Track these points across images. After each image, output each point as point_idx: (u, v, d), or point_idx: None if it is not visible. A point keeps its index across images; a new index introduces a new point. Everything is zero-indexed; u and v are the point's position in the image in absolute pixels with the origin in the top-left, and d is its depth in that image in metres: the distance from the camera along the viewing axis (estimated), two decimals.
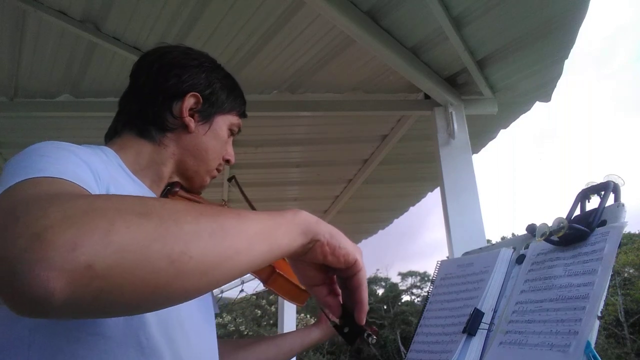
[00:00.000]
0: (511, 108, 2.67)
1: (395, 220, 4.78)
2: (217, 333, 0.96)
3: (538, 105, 2.62)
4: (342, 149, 3.34)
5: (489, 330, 0.90)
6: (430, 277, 1.23)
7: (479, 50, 2.16)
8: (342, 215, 4.45)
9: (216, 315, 1.01)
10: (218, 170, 1.00)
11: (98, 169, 0.71)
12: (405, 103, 2.67)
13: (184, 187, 0.97)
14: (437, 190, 2.48)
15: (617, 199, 0.84)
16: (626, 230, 0.82)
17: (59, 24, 2.15)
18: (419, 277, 32.35)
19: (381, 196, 4.19)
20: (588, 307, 0.73)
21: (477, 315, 0.92)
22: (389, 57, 2.15)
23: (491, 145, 3.15)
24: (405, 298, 32.30)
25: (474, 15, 1.94)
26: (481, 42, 2.10)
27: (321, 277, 0.70)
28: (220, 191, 3.62)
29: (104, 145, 0.91)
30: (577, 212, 0.90)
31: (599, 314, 0.71)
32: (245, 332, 22.72)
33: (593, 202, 0.88)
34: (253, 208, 0.95)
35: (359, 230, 5.18)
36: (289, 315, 5.25)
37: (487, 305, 0.94)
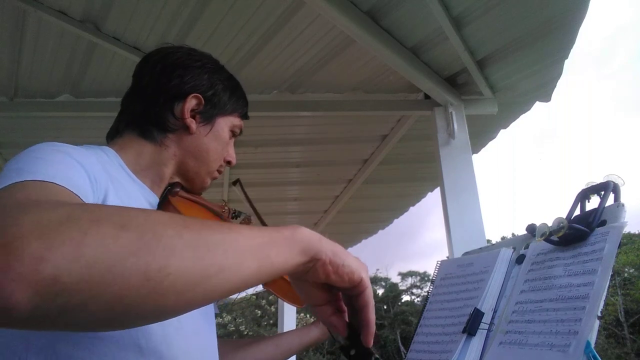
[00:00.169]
0: (511, 108, 2.67)
1: (395, 220, 4.79)
2: (216, 333, 0.96)
3: (538, 105, 2.62)
4: (342, 149, 3.34)
5: (489, 330, 0.90)
6: (430, 277, 1.23)
7: (479, 50, 2.16)
8: (342, 215, 4.45)
9: (216, 315, 1.01)
10: (219, 171, 1.00)
11: (95, 172, 0.71)
12: (405, 103, 2.67)
13: (184, 187, 0.97)
14: (437, 190, 2.48)
15: (617, 199, 0.84)
16: (626, 230, 0.82)
17: (59, 24, 2.15)
18: (419, 277, 32.38)
19: (381, 196, 4.19)
20: (588, 307, 0.73)
21: (477, 315, 0.91)
22: (389, 57, 2.15)
23: (491, 145, 3.16)
24: (405, 298, 32.33)
25: (474, 15, 1.94)
26: (481, 42, 2.10)
27: (325, 296, 0.65)
28: (220, 191, 3.62)
29: (105, 145, 0.91)
30: (577, 212, 0.90)
31: (599, 314, 0.71)
32: (245, 332, 22.73)
33: (593, 202, 0.88)
34: (256, 212, 0.95)
35: (359, 230, 5.19)
36: (289, 316, 5.25)
37: (487, 305, 0.94)
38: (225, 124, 0.98)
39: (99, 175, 0.72)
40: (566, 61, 2.21)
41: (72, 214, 0.44)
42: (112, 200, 0.74)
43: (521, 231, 1.02)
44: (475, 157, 2.52)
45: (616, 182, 0.85)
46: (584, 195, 0.90)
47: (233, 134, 1.01)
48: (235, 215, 1.04)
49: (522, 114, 2.75)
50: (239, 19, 2.11)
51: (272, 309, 23.40)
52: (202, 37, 2.21)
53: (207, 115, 0.94)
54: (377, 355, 0.68)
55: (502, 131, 3.00)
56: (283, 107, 2.66)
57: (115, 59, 2.38)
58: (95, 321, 0.43)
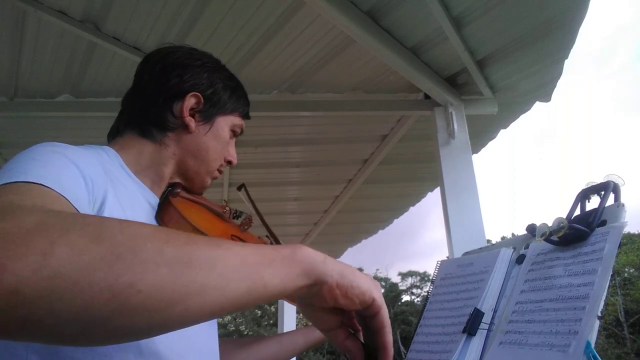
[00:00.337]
0: (511, 108, 2.67)
1: (395, 220, 4.78)
2: (217, 333, 0.96)
3: (538, 105, 2.62)
4: (342, 149, 3.34)
5: (489, 330, 0.90)
6: (430, 277, 1.23)
7: (479, 50, 2.16)
8: (342, 215, 4.45)
9: None
10: (219, 171, 1.00)
11: (92, 173, 0.71)
12: (405, 103, 2.67)
13: (185, 188, 0.97)
14: (437, 190, 2.48)
15: (617, 199, 0.84)
16: (626, 230, 0.82)
17: (59, 24, 2.15)
18: (419, 277, 32.40)
19: (381, 196, 4.19)
20: (588, 307, 0.73)
21: (477, 315, 0.91)
22: (389, 57, 2.15)
23: (491, 145, 3.16)
24: (405, 298, 32.35)
25: (474, 15, 1.94)
26: (481, 42, 2.10)
27: (336, 319, 0.60)
28: (220, 191, 3.62)
29: (106, 144, 0.91)
30: (577, 212, 0.90)
31: (599, 314, 0.71)
32: (245, 332, 22.74)
33: (593, 202, 0.88)
34: (262, 219, 0.94)
35: (359, 230, 5.19)
36: (289, 316, 5.26)
37: (487, 305, 0.94)
38: (226, 123, 0.97)
39: (97, 177, 0.72)
40: (566, 61, 2.21)
41: (43, 222, 0.42)
42: (111, 201, 0.73)
43: (521, 231, 1.02)
44: (475, 157, 2.53)
45: (616, 182, 0.85)
46: (584, 195, 0.90)
47: (234, 133, 1.01)
48: (236, 215, 1.04)
49: (522, 114, 2.75)
50: (239, 19, 2.11)
51: (272, 309, 23.40)
52: (202, 37, 2.21)
53: (206, 114, 0.94)
54: None
55: (502, 131, 3.00)
56: (283, 107, 2.66)
57: (115, 59, 2.38)
58: (59, 336, 0.41)
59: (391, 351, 0.60)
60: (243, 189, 1.00)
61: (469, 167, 2.35)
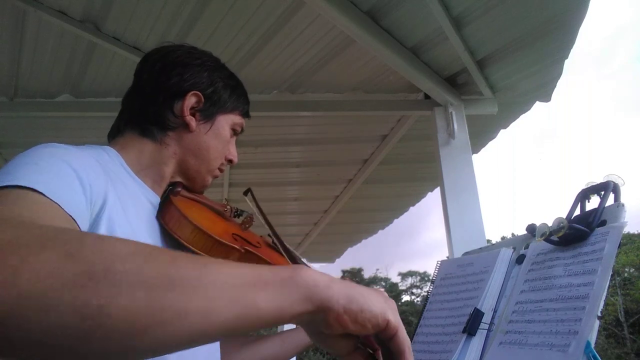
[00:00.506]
0: (511, 108, 2.68)
1: (395, 220, 4.79)
2: None
3: (538, 105, 2.62)
4: (342, 149, 3.34)
5: (489, 330, 0.90)
6: (430, 277, 1.23)
7: (479, 50, 2.16)
8: (342, 215, 4.46)
9: None
10: (220, 170, 1.00)
11: (91, 176, 0.70)
12: (405, 103, 2.67)
13: (186, 187, 0.97)
14: (437, 190, 2.48)
15: (617, 199, 0.84)
16: (626, 230, 0.82)
17: (59, 24, 2.15)
18: (419, 277, 32.42)
19: (381, 196, 4.19)
20: (588, 307, 0.73)
21: (477, 315, 0.92)
22: (389, 57, 2.15)
23: (491, 145, 3.16)
24: (405, 298, 32.36)
25: (474, 15, 1.94)
26: (481, 42, 2.10)
27: (350, 343, 0.55)
28: (220, 191, 3.63)
29: (106, 144, 0.91)
30: (577, 212, 0.90)
31: (599, 314, 0.71)
32: None
33: (593, 202, 0.88)
34: (269, 224, 0.94)
35: (359, 230, 5.19)
36: None
37: (487, 305, 0.94)
38: (226, 122, 0.97)
39: (96, 180, 0.72)
40: (566, 61, 2.21)
41: (18, 238, 0.40)
42: (111, 203, 0.73)
43: (521, 231, 1.02)
44: (475, 157, 2.53)
45: (616, 182, 0.85)
46: (584, 195, 0.90)
47: (234, 132, 1.00)
48: (237, 214, 1.04)
49: (522, 114, 2.76)
50: (239, 19, 2.11)
51: None
52: (202, 37, 2.21)
53: (207, 113, 0.94)
54: None
55: (502, 131, 3.01)
56: (283, 107, 2.66)
57: (115, 59, 2.38)
58: (28, 356, 0.39)
59: None
60: (250, 194, 0.99)
61: (469, 167, 2.35)
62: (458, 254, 1.77)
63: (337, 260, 6.15)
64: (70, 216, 0.62)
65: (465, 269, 1.09)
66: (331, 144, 3.28)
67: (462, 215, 2.25)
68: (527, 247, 0.98)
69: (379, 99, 2.67)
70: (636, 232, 24.72)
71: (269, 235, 1.03)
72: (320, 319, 0.49)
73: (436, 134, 2.40)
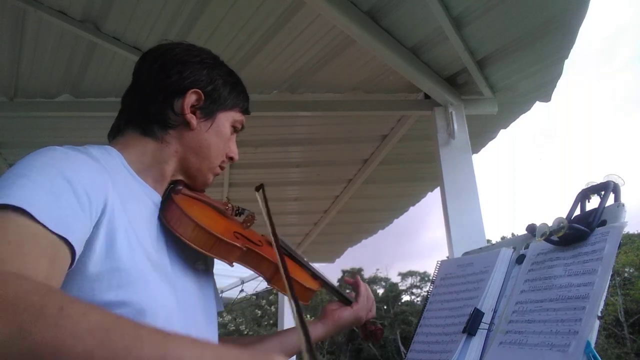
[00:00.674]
0: (511, 108, 2.67)
1: (395, 220, 4.79)
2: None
3: (538, 105, 2.62)
4: (342, 149, 3.34)
5: (489, 330, 0.90)
6: (430, 277, 1.23)
7: (479, 50, 2.16)
8: (342, 215, 4.46)
9: (218, 314, 1.01)
10: (221, 167, 1.00)
11: (87, 185, 0.70)
12: (405, 103, 2.67)
13: (187, 185, 0.97)
14: (437, 190, 2.48)
15: (617, 199, 0.84)
16: (625, 230, 0.82)
17: (59, 24, 2.15)
18: (419, 277, 32.38)
19: (381, 196, 4.19)
20: (588, 307, 0.73)
21: (477, 315, 0.92)
22: (389, 57, 2.15)
23: (491, 145, 3.15)
24: (405, 298, 32.34)
25: (474, 15, 1.94)
26: (481, 42, 2.10)
27: None
28: (220, 191, 3.63)
29: (107, 144, 0.91)
30: (577, 212, 0.90)
31: (599, 314, 0.71)
32: (245, 332, 22.72)
33: (593, 202, 0.88)
34: (272, 223, 0.94)
35: (359, 230, 5.19)
36: (289, 315, 5.25)
37: (487, 305, 0.94)
38: (226, 119, 0.97)
39: (93, 185, 0.71)
40: (566, 61, 2.21)
41: None
42: (111, 206, 0.73)
43: (521, 231, 1.02)
44: (475, 157, 2.52)
45: (616, 182, 0.85)
46: (584, 195, 0.90)
47: (235, 129, 1.00)
48: (238, 212, 1.04)
49: (522, 114, 2.75)
50: (239, 19, 2.11)
51: (272, 309, 23.41)
52: (202, 37, 2.21)
53: (207, 110, 0.94)
54: None
55: (502, 131, 3.00)
56: (283, 107, 2.66)
57: (115, 59, 2.38)
58: None
59: None
60: (262, 190, 0.99)
61: (469, 167, 2.35)
62: (458, 254, 1.77)
63: (337, 260, 6.16)
64: (59, 235, 0.62)
65: (465, 269, 1.09)
66: (331, 144, 3.28)
67: (462, 215, 2.25)
68: (527, 247, 0.98)
69: (379, 99, 2.67)
70: (636, 232, 24.70)
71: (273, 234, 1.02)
72: None
73: (436, 134, 2.40)
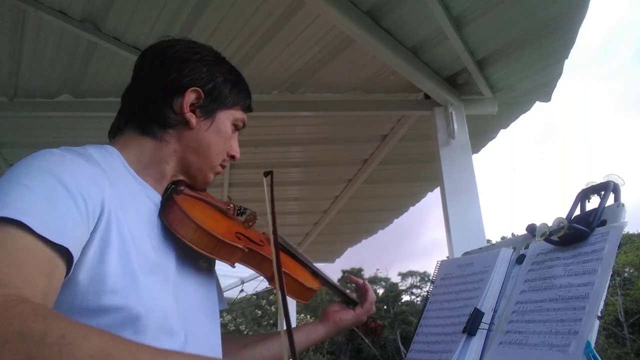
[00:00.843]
0: (511, 108, 2.67)
1: (395, 220, 4.79)
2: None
3: (538, 105, 2.62)
4: (342, 149, 3.34)
5: (489, 330, 0.90)
6: (430, 277, 1.23)
7: (479, 50, 2.16)
8: (342, 215, 4.46)
9: (220, 313, 1.01)
10: (222, 166, 0.98)
11: (83, 189, 0.70)
12: (405, 103, 2.67)
13: (188, 184, 0.96)
14: (437, 190, 2.48)
15: (617, 199, 0.84)
16: (625, 230, 0.82)
17: (59, 24, 2.15)
18: (419, 277, 32.37)
19: (381, 196, 4.19)
20: (588, 307, 0.73)
21: (477, 315, 0.92)
22: (389, 57, 2.15)
23: (491, 145, 3.15)
24: (405, 298, 32.33)
25: (474, 15, 1.94)
26: (481, 42, 2.10)
27: None
28: (220, 192, 3.62)
29: (107, 143, 0.91)
30: (577, 212, 0.90)
31: (599, 314, 0.71)
32: (246, 332, 22.71)
33: (593, 202, 0.88)
34: (273, 211, 0.94)
35: (359, 230, 5.19)
36: (290, 315, 5.25)
37: (487, 305, 0.94)
38: (227, 117, 0.95)
39: (89, 188, 0.71)
40: (566, 61, 2.21)
41: None
42: (109, 208, 0.73)
43: (521, 231, 1.02)
44: (475, 157, 2.53)
45: (616, 182, 0.85)
46: (584, 195, 0.90)
47: (236, 127, 0.99)
48: (240, 212, 1.04)
49: (522, 114, 2.75)
50: (239, 19, 2.11)
51: (272, 309, 23.40)
52: (202, 37, 2.21)
53: (207, 109, 0.92)
54: None
55: (502, 131, 3.00)
56: (283, 107, 2.66)
57: (115, 59, 2.37)
58: None
59: None
60: (270, 177, 0.98)
61: (469, 167, 2.35)
62: (458, 254, 1.77)
63: (337, 260, 6.16)
64: (60, 245, 0.62)
65: (465, 269, 1.09)
66: (331, 144, 3.28)
67: (462, 215, 2.25)
68: (527, 247, 0.98)
69: (379, 99, 2.66)
70: (636, 232, 24.69)
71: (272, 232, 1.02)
72: None
73: (436, 134, 2.40)
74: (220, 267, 1.00)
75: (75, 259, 0.66)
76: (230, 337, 1.09)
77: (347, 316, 1.19)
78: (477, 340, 0.89)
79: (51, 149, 0.73)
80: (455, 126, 2.35)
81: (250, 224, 1.01)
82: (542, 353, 0.75)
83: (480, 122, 2.67)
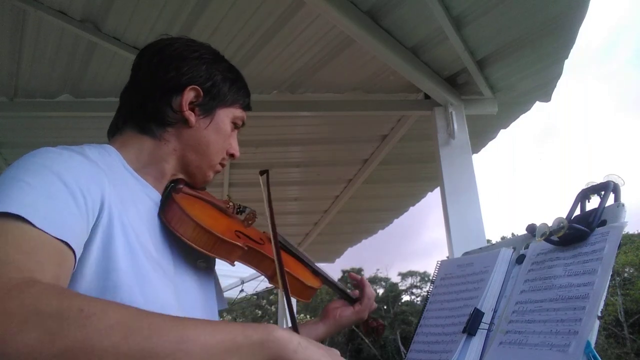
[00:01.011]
0: (511, 108, 2.68)
1: (395, 220, 4.79)
2: None
3: (538, 105, 2.62)
4: (342, 149, 3.34)
5: (489, 330, 0.90)
6: (430, 277, 1.23)
7: (479, 50, 2.16)
8: (342, 215, 4.46)
9: (219, 313, 1.01)
10: (222, 164, 0.98)
11: (83, 185, 0.69)
12: (405, 103, 2.67)
13: (187, 183, 0.96)
14: (437, 190, 2.48)
15: (617, 199, 0.84)
16: (625, 230, 0.82)
17: (59, 24, 2.15)
18: (419, 277, 32.38)
19: (381, 196, 4.19)
20: (588, 307, 0.73)
21: (477, 315, 0.91)
22: (389, 57, 2.15)
23: (491, 145, 3.16)
24: (405, 298, 32.34)
25: (474, 15, 1.94)
26: (481, 42, 2.10)
27: None
28: (220, 192, 3.62)
29: (107, 143, 0.91)
30: (577, 212, 0.90)
31: (599, 314, 0.71)
32: None
33: (593, 202, 0.88)
34: (271, 210, 0.94)
35: (359, 230, 5.19)
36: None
37: (487, 305, 0.94)
38: (226, 115, 0.95)
39: (89, 186, 0.71)
40: (566, 61, 2.21)
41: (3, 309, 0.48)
42: (109, 206, 0.73)
43: (521, 231, 1.02)
44: (475, 157, 2.53)
45: (616, 182, 0.85)
46: (584, 195, 0.90)
47: (235, 125, 0.98)
48: (240, 210, 1.04)
49: (522, 114, 2.75)
50: (239, 19, 2.11)
51: (272, 308, 23.42)
52: (202, 37, 2.21)
53: (206, 107, 0.92)
54: None
55: (502, 131, 3.01)
56: (283, 107, 2.66)
57: (115, 59, 2.37)
58: None
59: None
60: (266, 175, 0.98)
61: (469, 167, 2.35)
62: (458, 254, 1.77)
63: (337, 260, 6.16)
64: (61, 240, 0.62)
65: (465, 269, 1.09)
66: (331, 144, 3.28)
67: (462, 215, 2.25)
68: (527, 247, 0.98)
69: (379, 99, 2.67)
70: (636, 232, 24.69)
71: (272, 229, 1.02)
72: None
73: (436, 134, 2.40)
74: (221, 267, 1.00)
75: (78, 255, 0.66)
76: None
77: (347, 312, 1.19)
78: (477, 340, 0.89)
79: (48, 147, 0.73)
80: (455, 126, 2.35)
81: (249, 222, 1.01)
82: (542, 353, 0.75)
83: (480, 122, 2.67)
